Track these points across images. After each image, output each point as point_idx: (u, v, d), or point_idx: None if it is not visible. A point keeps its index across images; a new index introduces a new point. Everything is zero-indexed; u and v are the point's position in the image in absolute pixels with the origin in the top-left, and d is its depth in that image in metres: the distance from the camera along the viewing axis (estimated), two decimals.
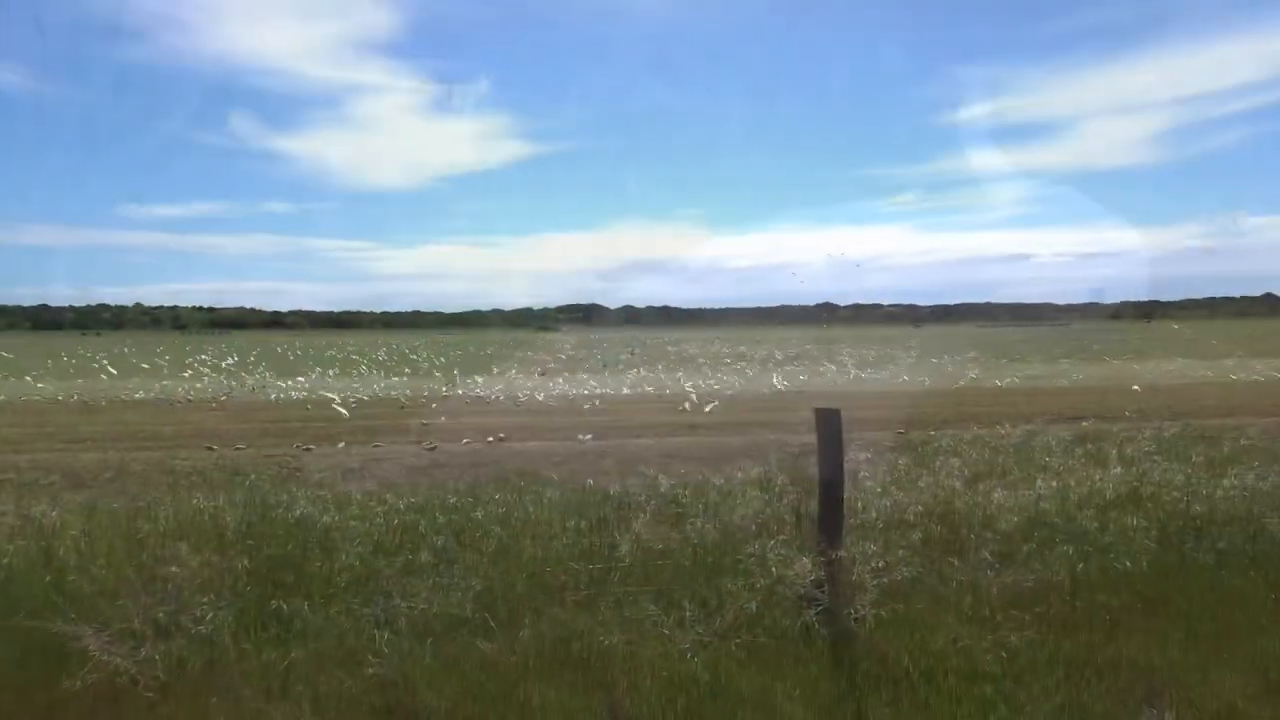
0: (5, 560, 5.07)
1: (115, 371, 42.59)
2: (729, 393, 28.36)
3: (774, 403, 25.90)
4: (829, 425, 5.24)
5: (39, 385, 35.17)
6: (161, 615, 4.54)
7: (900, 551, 5.52)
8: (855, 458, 9.12)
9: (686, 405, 25.46)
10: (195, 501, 6.16)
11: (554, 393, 30.19)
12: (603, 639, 4.48)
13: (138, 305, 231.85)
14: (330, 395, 26.64)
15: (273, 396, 29.36)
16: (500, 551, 5.67)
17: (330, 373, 43.84)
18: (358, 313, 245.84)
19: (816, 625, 4.75)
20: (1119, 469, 8.03)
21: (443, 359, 53.05)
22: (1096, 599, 5.16)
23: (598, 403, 26.82)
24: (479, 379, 36.64)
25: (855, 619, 4.82)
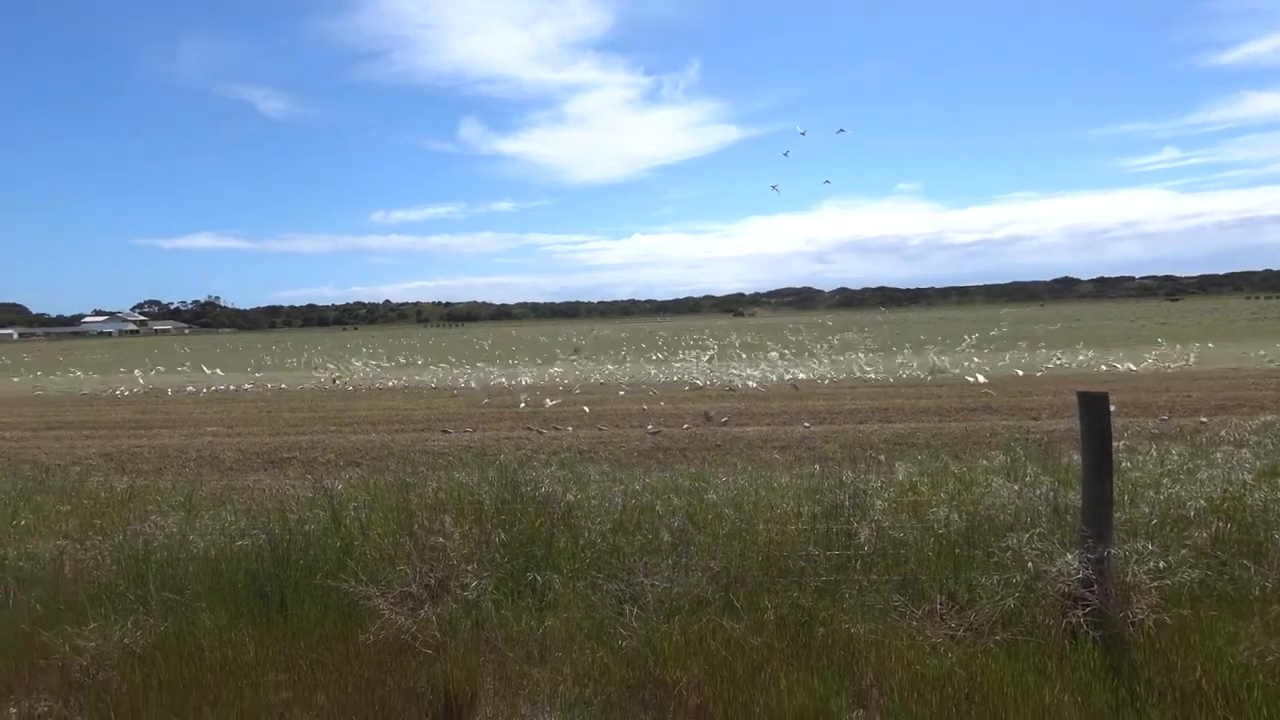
0: (307, 527, 5.82)
1: (374, 362, 47.52)
2: (952, 375, 26.78)
3: (1006, 386, 24.15)
4: (1095, 410, 4.78)
5: (313, 373, 40.10)
6: (433, 581, 5.01)
7: (1182, 551, 4.95)
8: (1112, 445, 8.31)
9: (910, 389, 24.38)
10: (458, 477, 6.73)
11: (769, 377, 30.00)
12: (847, 626, 4.39)
13: (386, 302, 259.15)
14: (559, 380, 28.09)
15: (505, 382, 31.45)
16: (733, 534, 5.70)
17: (554, 360, 46.33)
18: (576, 303, 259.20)
19: (1085, 627, 4.36)
20: None
21: (657, 343, 54.37)
22: None
23: (818, 387, 26.34)
24: (694, 363, 37.16)
25: (1132, 623, 4.38)
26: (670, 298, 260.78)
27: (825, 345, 50.36)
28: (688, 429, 16.52)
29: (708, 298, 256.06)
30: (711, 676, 4.05)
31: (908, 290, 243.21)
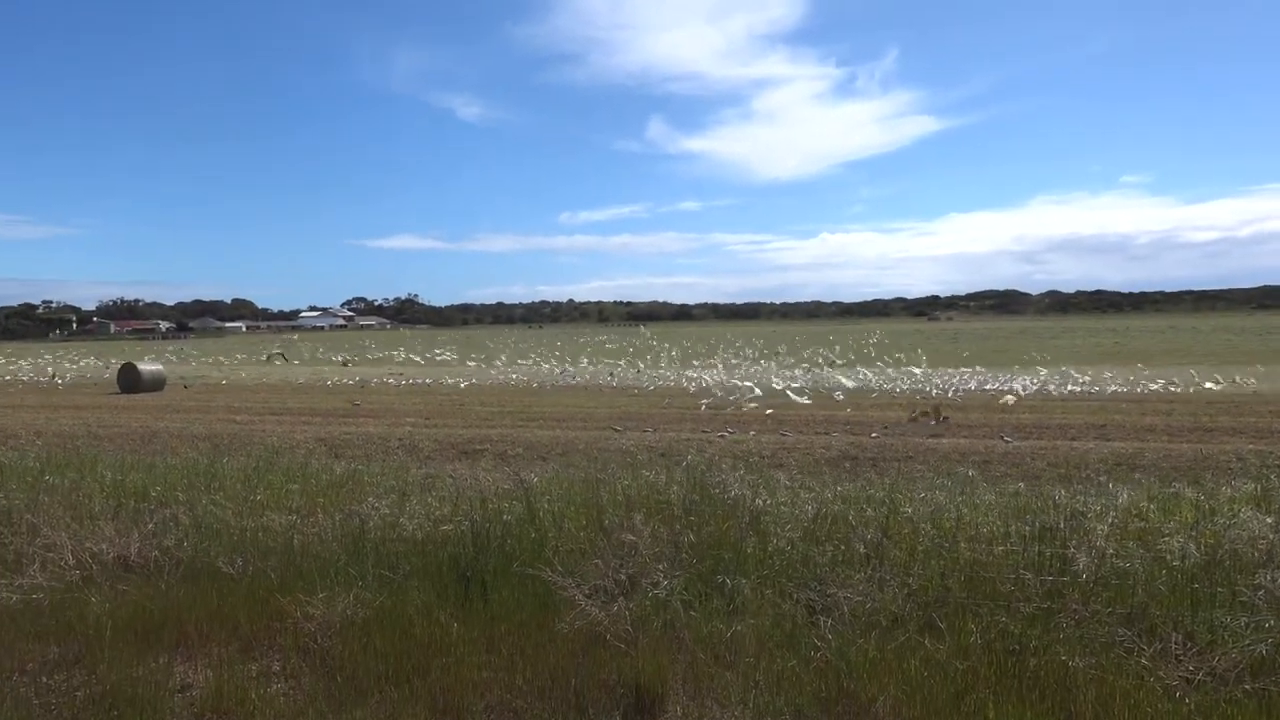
0: (505, 517, 6.22)
1: (555, 360, 49.68)
2: (1189, 391, 24.33)
3: (1253, 405, 21.65)
4: None
5: (499, 366, 42.48)
6: (624, 576, 5.20)
7: None
8: None
9: (1131, 404, 22.41)
10: (647, 476, 6.95)
11: (964, 386, 28.56)
12: (1064, 658, 4.15)
13: (570, 301, 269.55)
14: (739, 383, 28.12)
15: (685, 383, 31.87)
16: (932, 551, 5.52)
17: (732, 361, 46.40)
18: (758, 304, 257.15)
19: None
20: None
21: (845, 349, 53.11)
22: None
23: (1021, 397, 24.79)
24: (882, 369, 36.00)
25: None
26: (858, 300, 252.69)
27: (1029, 353, 47.23)
28: (876, 438, 16.07)
29: (898, 300, 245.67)
30: (910, 697, 3.95)
31: (1130, 295, 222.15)
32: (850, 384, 29.88)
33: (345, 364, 51.25)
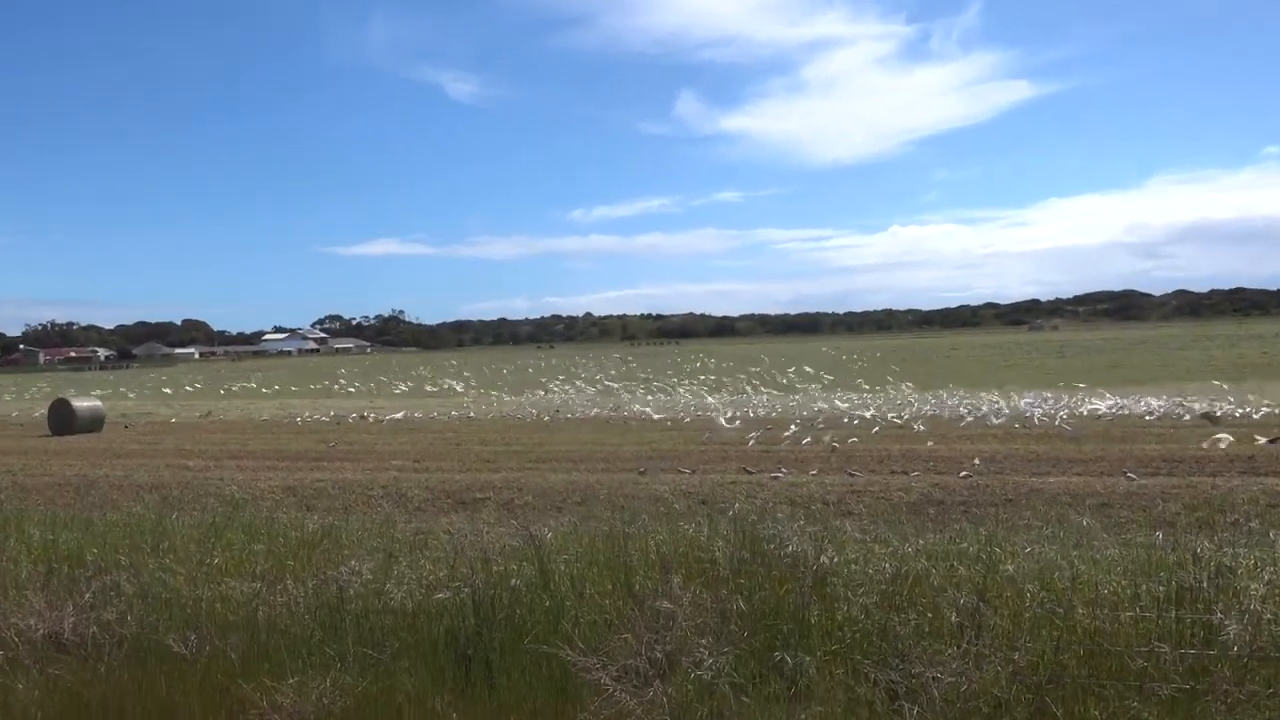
0: (512, 581, 6.22)
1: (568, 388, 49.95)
2: None
3: None
4: None
5: (505, 398, 42.75)
6: (660, 654, 5.17)
7: None
8: None
9: None
10: (685, 529, 6.94)
11: (1076, 411, 28.25)
12: None
13: (587, 315, 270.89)
14: (794, 412, 28.04)
15: (729, 413, 31.84)
16: (1042, 620, 5.44)
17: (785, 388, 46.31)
18: (816, 315, 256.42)
19: None
20: None
21: (924, 367, 52.82)
22: None
23: (1146, 424, 24.48)
24: (984, 395, 35.70)
25: None
26: (938, 307, 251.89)
27: (1154, 369, 46.74)
28: (967, 477, 15.92)
29: (989, 306, 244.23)
30: None
31: (1278, 294, 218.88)
32: (932, 410, 29.69)
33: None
